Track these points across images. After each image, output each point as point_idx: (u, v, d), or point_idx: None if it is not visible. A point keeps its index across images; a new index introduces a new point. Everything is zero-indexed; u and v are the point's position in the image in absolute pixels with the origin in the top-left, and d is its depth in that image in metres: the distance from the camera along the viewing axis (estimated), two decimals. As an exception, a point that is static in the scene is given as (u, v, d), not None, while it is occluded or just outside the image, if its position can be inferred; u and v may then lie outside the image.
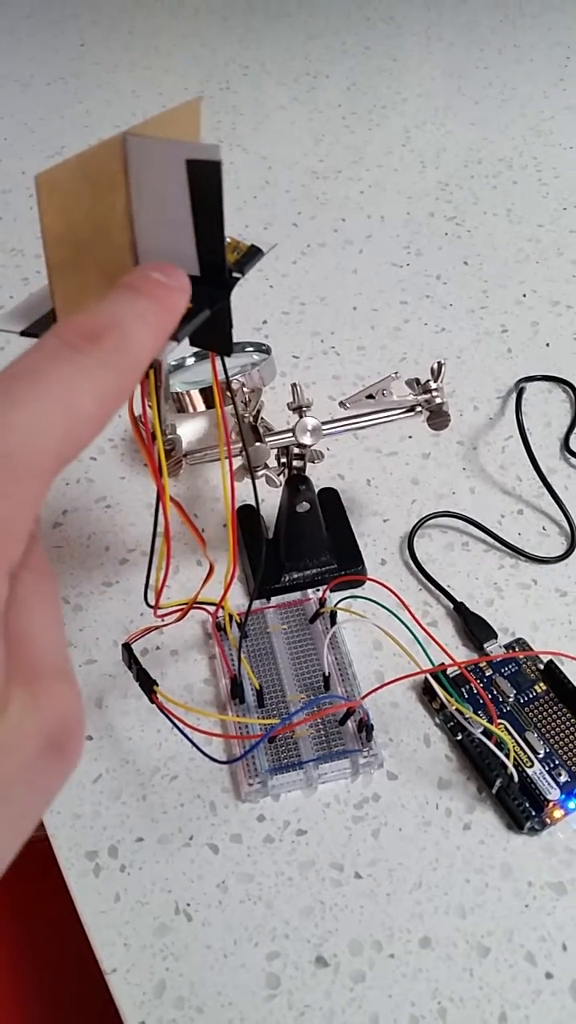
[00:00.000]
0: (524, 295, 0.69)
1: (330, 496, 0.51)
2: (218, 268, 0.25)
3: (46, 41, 1.14)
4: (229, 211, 0.24)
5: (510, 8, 1.23)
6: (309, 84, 1.02)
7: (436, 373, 0.43)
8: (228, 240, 0.28)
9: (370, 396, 0.41)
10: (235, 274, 0.27)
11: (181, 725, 0.38)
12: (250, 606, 0.45)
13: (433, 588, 0.47)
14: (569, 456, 0.55)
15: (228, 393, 0.43)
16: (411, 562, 0.49)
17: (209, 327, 0.26)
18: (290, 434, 0.43)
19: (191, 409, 0.47)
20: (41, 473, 0.17)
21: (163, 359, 0.32)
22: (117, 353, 0.19)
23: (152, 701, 0.39)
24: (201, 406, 0.48)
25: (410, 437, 0.56)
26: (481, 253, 0.74)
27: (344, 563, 0.48)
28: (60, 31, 1.17)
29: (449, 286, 0.70)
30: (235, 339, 0.48)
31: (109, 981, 0.34)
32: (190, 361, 0.54)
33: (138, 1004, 0.34)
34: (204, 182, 0.24)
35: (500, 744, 0.37)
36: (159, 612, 0.36)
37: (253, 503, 0.51)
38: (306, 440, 0.42)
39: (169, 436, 0.41)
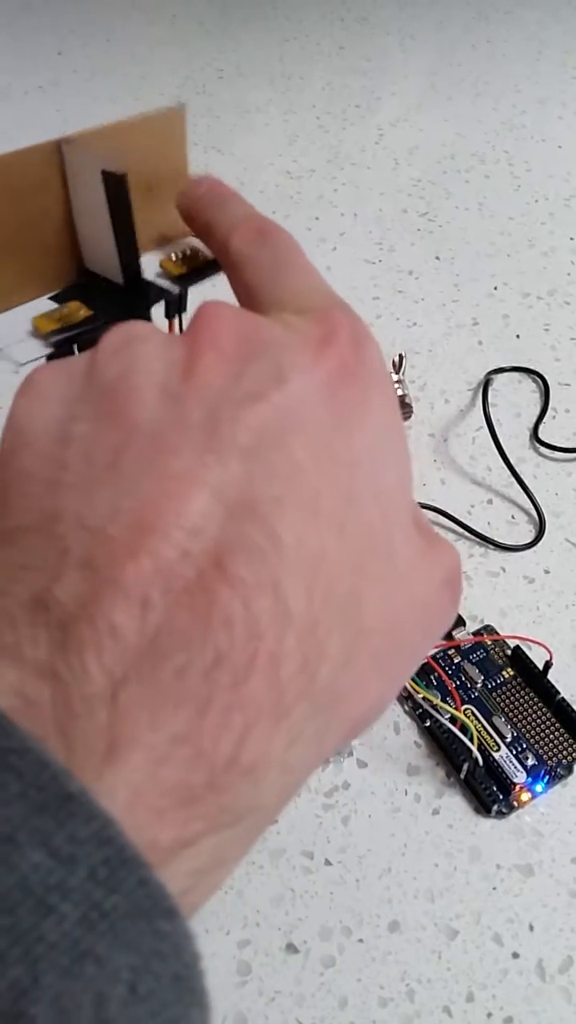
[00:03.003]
0: (495, 288, 0.69)
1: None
2: (136, 278, 0.26)
3: (23, 50, 1.15)
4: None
5: (483, 5, 1.24)
6: (284, 86, 1.03)
7: (397, 366, 0.44)
8: (186, 252, 0.29)
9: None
10: (174, 289, 0.28)
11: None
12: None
13: (403, 579, 0.48)
14: (538, 445, 0.55)
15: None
16: (382, 554, 0.49)
17: None
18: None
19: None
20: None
21: None
22: (282, 229, 0.22)
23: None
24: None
25: (382, 431, 0.57)
26: (453, 248, 0.74)
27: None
28: (37, 40, 1.18)
29: (421, 281, 0.71)
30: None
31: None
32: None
33: (111, 994, 0.34)
34: (116, 193, 0.25)
35: (464, 729, 0.38)
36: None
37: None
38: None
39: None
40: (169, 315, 0.30)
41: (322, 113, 0.97)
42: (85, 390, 0.16)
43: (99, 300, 0.28)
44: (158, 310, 0.29)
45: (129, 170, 0.28)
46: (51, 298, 0.28)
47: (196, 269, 0.29)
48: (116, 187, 0.25)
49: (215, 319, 0.16)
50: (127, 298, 0.27)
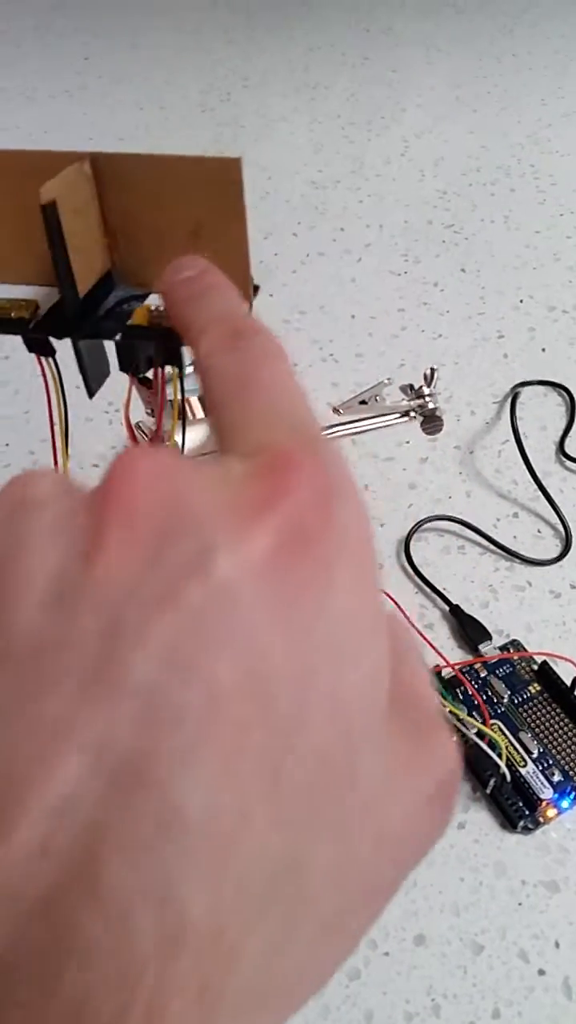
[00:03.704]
0: (521, 301, 0.69)
1: (327, 501, 0.52)
2: (78, 305, 0.26)
3: (51, 54, 1.16)
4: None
5: (508, 18, 1.24)
6: (309, 95, 1.03)
7: (429, 379, 0.44)
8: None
9: (363, 402, 0.42)
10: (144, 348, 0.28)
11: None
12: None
13: (429, 591, 0.48)
14: (564, 459, 0.55)
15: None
16: (407, 566, 0.49)
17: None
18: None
19: (191, 416, 0.48)
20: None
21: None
22: (262, 332, 0.18)
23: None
24: (200, 413, 0.49)
25: (407, 442, 0.57)
26: (479, 260, 0.75)
27: (341, 567, 0.48)
28: (65, 45, 1.18)
29: (446, 293, 0.71)
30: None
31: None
32: (189, 369, 0.55)
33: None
34: (49, 220, 0.25)
35: (493, 745, 0.38)
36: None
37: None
38: (301, 446, 0.43)
39: (167, 444, 0.42)
40: (122, 367, 0.29)
41: (347, 123, 0.97)
42: None
43: (56, 311, 0.28)
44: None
45: (170, 207, 0.28)
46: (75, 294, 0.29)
47: (150, 329, 0.28)
48: (49, 215, 0.25)
49: (130, 480, 0.13)
50: (71, 322, 0.27)
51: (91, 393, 0.30)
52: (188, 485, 0.13)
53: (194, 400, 0.49)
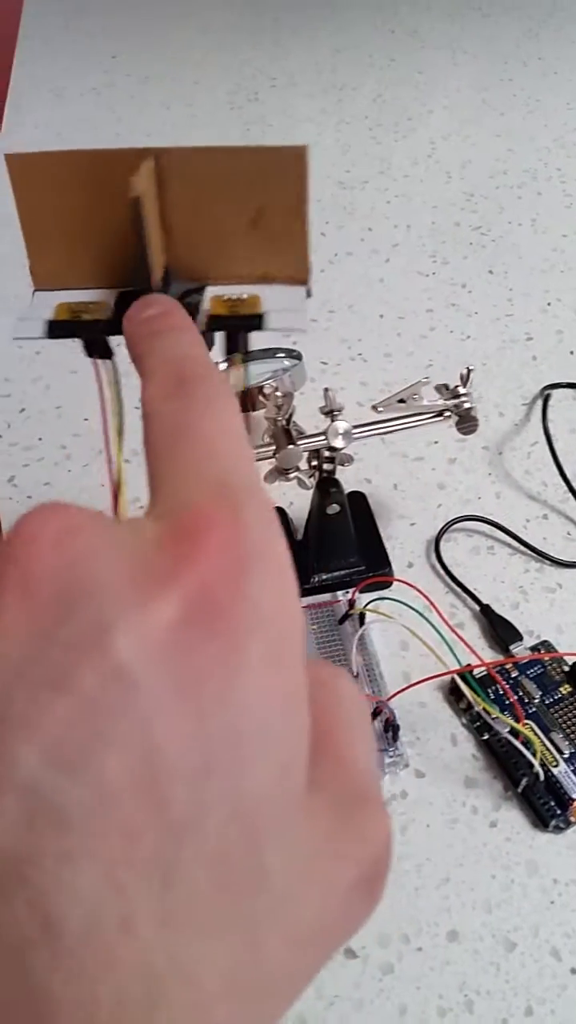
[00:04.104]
0: (549, 304, 0.70)
1: (358, 499, 0.52)
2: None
3: (80, 52, 1.16)
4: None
5: (534, 22, 1.24)
6: (336, 96, 1.03)
7: (465, 379, 0.44)
8: (243, 296, 0.29)
9: (401, 400, 0.42)
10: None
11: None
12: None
13: (459, 591, 0.48)
14: (594, 463, 0.56)
15: (261, 397, 0.44)
16: (438, 565, 0.49)
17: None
18: (322, 437, 0.44)
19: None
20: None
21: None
22: (210, 379, 0.17)
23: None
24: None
25: (436, 442, 0.57)
26: (506, 262, 0.75)
27: (372, 565, 0.49)
28: (93, 43, 1.19)
29: (474, 294, 0.71)
30: (266, 345, 0.49)
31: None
32: (221, 367, 0.55)
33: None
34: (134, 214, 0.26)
35: (527, 743, 0.38)
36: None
37: (283, 506, 0.52)
38: (338, 443, 0.43)
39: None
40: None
41: (374, 124, 0.97)
42: None
43: (126, 308, 0.28)
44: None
45: (232, 197, 0.28)
46: (122, 293, 0.29)
47: (235, 317, 0.29)
48: (137, 210, 0.26)
49: (31, 545, 0.12)
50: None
51: None
52: (93, 550, 0.12)
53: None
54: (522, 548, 0.50)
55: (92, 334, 0.28)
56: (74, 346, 0.26)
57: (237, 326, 0.28)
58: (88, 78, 1.08)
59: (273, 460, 0.43)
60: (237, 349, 0.30)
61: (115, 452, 0.34)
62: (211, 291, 0.30)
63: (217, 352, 0.29)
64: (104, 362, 0.31)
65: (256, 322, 0.28)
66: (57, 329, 0.27)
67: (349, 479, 0.55)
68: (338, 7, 1.29)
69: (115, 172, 0.28)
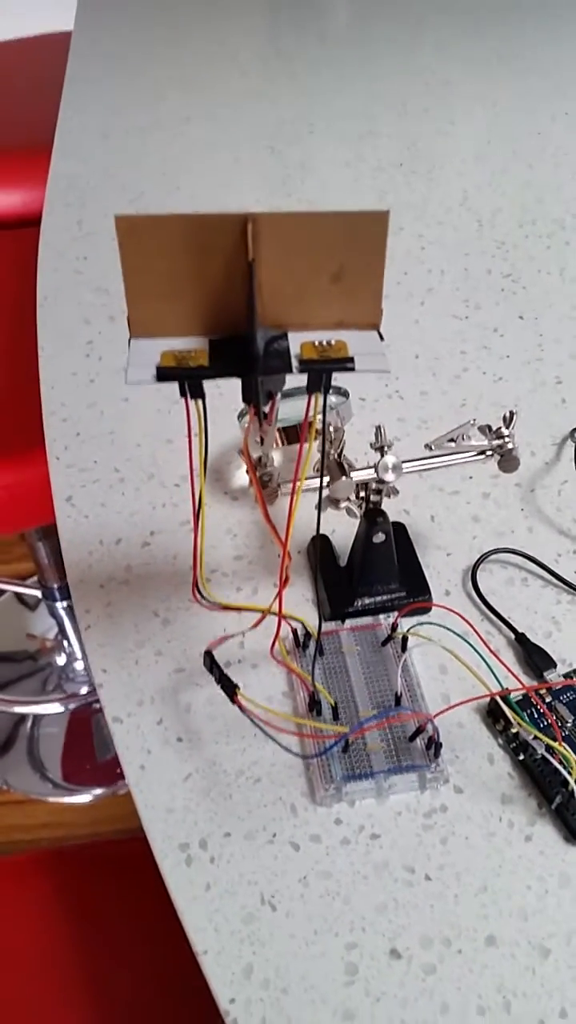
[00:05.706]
0: (578, 350, 0.73)
1: (399, 529, 0.55)
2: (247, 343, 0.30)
3: (125, 93, 1.22)
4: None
5: (563, 79, 1.29)
6: (372, 143, 1.08)
7: (508, 421, 0.47)
8: (331, 341, 0.33)
9: (451, 440, 0.45)
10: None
11: (262, 724, 0.41)
12: (320, 626, 0.49)
13: (495, 619, 0.51)
14: (622, 502, 0.59)
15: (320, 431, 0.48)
16: (474, 593, 0.52)
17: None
18: (372, 470, 0.47)
19: (280, 443, 0.52)
20: None
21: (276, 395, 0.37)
22: None
23: (233, 702, 0.42)
24: (285, 441, 0.53)
25: (470, 478, 0.60)
26: (536, 309, 0.78)
27: (412, 591, 0.51)
28: (138, 84, 1.24)
29: (506, 339, 0.74)
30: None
31: (201, 961, 0.38)
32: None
33: (228, 983, 0.37)
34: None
35: (564, 761, 0.41)
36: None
37: (326, 533, 0.55)
38: (388, 477, 0.46)
39: (268, 468, 0.45)
40: (246, 399, 0.34)
41: (408, 172, 1.02)
42: None
43: (220, 354, 0.32)
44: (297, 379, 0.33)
45: (317, 256, 0.32)
46: (213, 341, 0.33)
47: (328, 360, 0.32)
48: (252, 269, 0.30)
49: None
50: (255, 361, 0.31)
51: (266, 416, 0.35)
52: None
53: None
54: (554, 580, 0.53)
55: (195, 378, 0.32)
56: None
57: (331, 368, 0.31)
58: (133, 118, 1.13)
59: (321, 489, 0.46)
60: (319, 388, 0.33)
61: (199, 480, 0.37)
62: (297, 336, 0.34)
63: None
64: (196, 401, 0.34)
65: (348, 365, 0.31)
66: (166, 374, 0.31)
67: (388, 510, 0.58)
68: (370, 58, 1.34)
69: (213, 234, 0.31)
